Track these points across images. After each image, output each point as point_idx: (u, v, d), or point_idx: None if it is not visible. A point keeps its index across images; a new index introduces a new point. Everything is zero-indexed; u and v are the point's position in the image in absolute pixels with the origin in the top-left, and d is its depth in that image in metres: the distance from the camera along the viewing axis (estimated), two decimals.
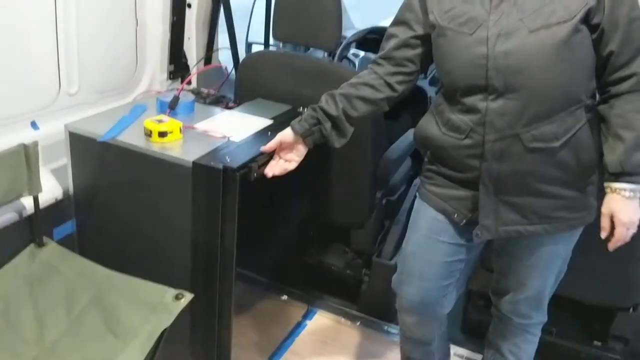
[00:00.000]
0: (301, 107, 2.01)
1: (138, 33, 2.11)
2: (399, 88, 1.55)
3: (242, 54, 2.79)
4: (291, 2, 1.99)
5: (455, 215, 1.55)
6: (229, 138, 1.76)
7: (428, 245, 1.61)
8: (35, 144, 1.67)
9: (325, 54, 2.18)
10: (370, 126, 2.04)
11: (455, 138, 1.47)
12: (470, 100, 1.41)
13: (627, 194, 1.41)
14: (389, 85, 1.54)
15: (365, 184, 2.16)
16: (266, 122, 1.90)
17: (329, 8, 1.94)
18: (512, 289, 1.68)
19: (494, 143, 1.41)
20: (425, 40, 1.50)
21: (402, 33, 1.52)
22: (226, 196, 1.59)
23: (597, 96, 1.48)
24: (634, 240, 1.64)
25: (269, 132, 1.82)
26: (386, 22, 2.01)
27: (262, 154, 1.63)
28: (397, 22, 1.54)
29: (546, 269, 1.61)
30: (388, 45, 1.55)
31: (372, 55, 2.95)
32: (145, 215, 1.75)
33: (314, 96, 1.97)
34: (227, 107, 2.06)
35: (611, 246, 1.48)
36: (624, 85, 1.39)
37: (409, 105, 2.72)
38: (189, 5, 2.21)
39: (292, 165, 1.58)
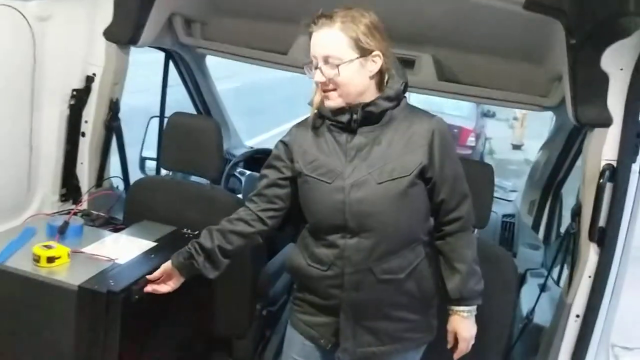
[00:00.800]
0: (185, 229, 2.22)
1: (32, 159, 2.26)
2: (270, 222, 1.74)
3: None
4: (176, 137, 2.25)
5: (322, 340, 1.74)
6: (114, 261, 1.92)
7: None
8: None
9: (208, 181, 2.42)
10: (250, 250, 2.26)
11: (318, 269, 1.67)
12: (331, 238, 1.64)
13: (465, 314, 1.72)
14: (261, 219, 1.73)
15: (245, 297, 2.36)
16: (150, 244, 2.08)
17: (209, 142, 2.21)
18: None
19: (351, 275, 1.63)
20: (292, 181, 1.72)
21: (272, 174, 1.74)
22: (109, 318, 1.72)
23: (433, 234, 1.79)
24: (478, 348, 1.96)
25: (152, 255, 2.00)
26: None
27: (144, 277, 1.80)
28: (268, 165, 1.77)
29: None
30: (260, 185, 1.77)
31: (256, 174, 3.25)
32: (30, 337, 1.83)
33: (198, 218, 2.21)
34: (116, 229, 2.22)
35: (456, 356, 1.77)
36: (454, 226, 1.69)
37: (289, 221, 2.99)
38: (83, 134, 2.39)
39: (163, 289, 1.76)
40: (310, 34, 1.60)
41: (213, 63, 3.37)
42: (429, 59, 2.36)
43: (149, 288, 1.77)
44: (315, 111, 1.69)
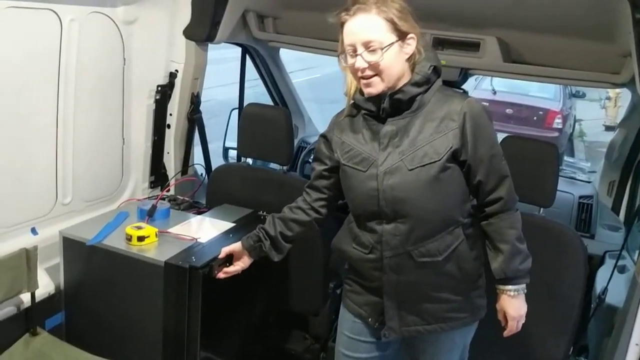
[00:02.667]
0: (261, 211, 2.38)
1: (124, 150, 2.50)
2: (323, 211, 1.85)
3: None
4: (250, 126, 2.41)
5: (370, 319, 1.81)
6: (197, 240, 2.11)
7: (351, 345, 1.88)
8: (35, 248, 2.00)
9: (284, 167, 2.57)
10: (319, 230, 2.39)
11: (361, 252, 1.74)
12: (370, 223, 1.70)
13: (512, 293, 1.74)
14: (315, 209, 1.84)
15: (317, 275, 2.49)
16: (229, 225, 2.26)
17: (281, 131, 2.35)
18: None
19: (390, 259, 1.68)
20: (336, 171, 1.79)
21: (318, 167, 1.83)
22: (191, 290, 1.91)
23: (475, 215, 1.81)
24: (546, 325, 1.98)
25: (231, 235, 2.17)
26: None
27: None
28: (314, 159, 1.87)
29: (446, 358, 1.88)
30: (311, 177, 1.87)
31: None
32: (125, 307, 2.06)
33: (273, 201, 2.35)
34: (199, 212, 2.43)
35: (506, 334, 1.81)
36: (495, 207, 1.69)
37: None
38: (169, 126, 2.62)
39: (233, 269, 1.91)
40: (342, 23, 1.62)
41: (295, 57, 3.48)
42: (494, 41, 2.37)
43: (220, 275, 1.90)
44: (352, 101, 1.73)
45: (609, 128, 11.48)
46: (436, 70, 1.67)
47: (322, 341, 2.65)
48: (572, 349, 2.30)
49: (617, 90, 10.05)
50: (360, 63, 1.60)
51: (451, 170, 1.65)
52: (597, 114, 12.47)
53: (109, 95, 2.38)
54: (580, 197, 3.09)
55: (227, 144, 3.55)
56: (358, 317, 1.84)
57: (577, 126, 11.08)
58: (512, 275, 1.71)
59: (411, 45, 1.62)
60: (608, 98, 11.81)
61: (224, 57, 5.02)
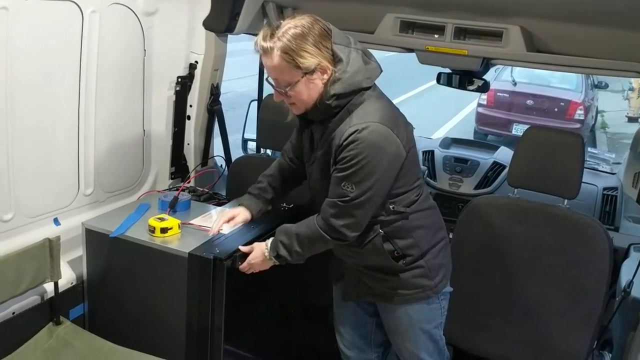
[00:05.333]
0: (281, 202, 2.37)
1: (145, 141, 2.51)
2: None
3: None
4: (268, 117, 2.41)
5: (330, 277, 2.08)
6: (219, 231, 2.11)
7: (339, 303, 2.12)
8: (58, 238, 2.02)
9: None
10: None
11: None
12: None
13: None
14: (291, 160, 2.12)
15: None
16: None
17: None
18: (394, 347, 2.07)
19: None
20: None
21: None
22: (215, 282, 1.91)
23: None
24: (570, 319, 1.97)
25: (252, 226, 2.17)
26: None
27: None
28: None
29: (406, 331, 1.97)
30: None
31: None
32: (147, 298, 2.07)
33: (292, 192, 2.34)
34: (219, 204, 2.43)
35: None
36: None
37: None
38: (189, 117, 2.63)
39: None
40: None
41: None
42: (517, 30, 2.33)
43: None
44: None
45: (632, 119, 11.33)
46: (342, 96, 1.69)
47: None
48: (595, 343, 2.28)
49: None
50: (276, 95, 1.76)
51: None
52: (619, 105, 12.30)
53: (129, 87, 2.38)
54: (605, 189, 3.05)
55: (246, 136, 3.56)
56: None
57: (599, 118, 10.93)
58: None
59: (318, 76, 1.67)
60: (631, 89, 11.64)
61: (241, 49, 5.03)
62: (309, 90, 1.69)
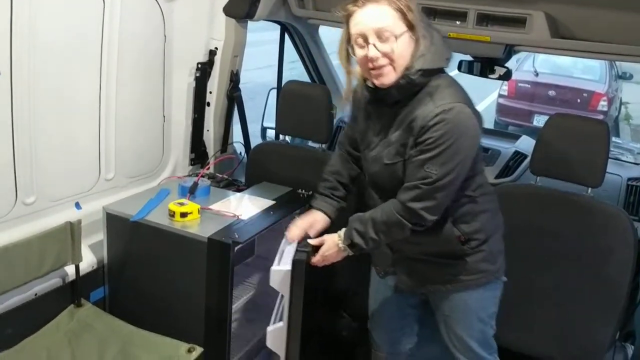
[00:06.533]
0: (300, 189, 2.37)
1: (165, 127, 2.52)
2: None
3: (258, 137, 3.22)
4: (289, 103, 2.39)
5: (377, 267, 2.00)
6: (238, 217, 2.11)
7: (380, 291, 2.07)
8: (79, 221, 2.04)
9: (322, 145, 2.55)
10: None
11: None
12: (369, 190, 1.85)
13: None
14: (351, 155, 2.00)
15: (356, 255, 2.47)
16: (269, 202, 2.26)
17: (319, 108, 2.33)
18: (444, 335, 1.98)
19: None
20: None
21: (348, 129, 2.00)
22: (235, 265, 1.92)
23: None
24: (593, 308, 1.94)
25: (271, 212, 2.17)
26: None
27: (264, 230, 1.98)
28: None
29: (463, 318, 1.91)
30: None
31: None
32: (167, 281, 2.09)
33: (310, 180, 2.34)
34: (238, 190, 2.43)
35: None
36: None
37: None
38: (208, 104, 2.63)
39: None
40: (348, 15, 1.61)
41: (331, 39, 3.47)
42: (541, 16, 2.28)
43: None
44: (360, 81, 1.75)
45: None
46: (427, 72, 1.62)
47: (360, 320, 2.64)
48: (618, 334, 2.25)
49: None
50: (373, 52, 1.58)
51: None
52: None
53: (150, 73, 2.39)
54: (629, 180, 2.99)
55: (265, 124, 3.55)
56: (373, 264, 2.04)
57: (623, 109, 10.73)
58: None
59: (417, 38, 1.60)
60: None
61: (261, 39, 4.99)
62: (409, 49, 1.60)
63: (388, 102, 1.67)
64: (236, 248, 1.93)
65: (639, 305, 2.22)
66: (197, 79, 2.54)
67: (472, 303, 1.89)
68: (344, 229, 1.77)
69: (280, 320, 1.92)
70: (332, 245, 1.78)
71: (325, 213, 1.91)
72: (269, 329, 1.92)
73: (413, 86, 1.62)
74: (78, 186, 2.20)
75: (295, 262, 1.80)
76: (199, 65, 2.53)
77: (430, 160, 1.60)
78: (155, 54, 2.38)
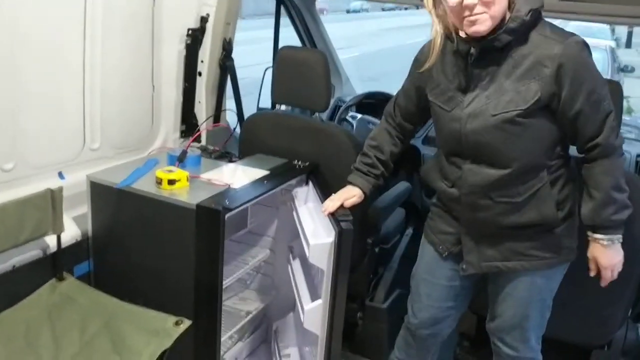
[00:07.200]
0: (297, 161, 2.25)
1: (154, 97, 2.40)
2: (408, 127, 1.92)
3: None
4: (285, 70, 2.28)
5: (440, 247, 1.85)
6: (229, 185, 2.00)
7: (429, 269, 1.92)
8: (60, 188, 1.92)
9: (321, 115, 2.43)
10: None
11: (445, 185, 1.76)
12: (453, 159, 1.72)
13: (605, 242, 1.67)
14: (401, 126, 1.93)
15: (355, 230, 2.35)
16: (263, 172, 2.14)
17: (317, 74, 2.21)
18: (497, 316, 1.87)
19: (467, 196, 1.69)
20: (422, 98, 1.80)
21: (407, 85, 1.87)
22: (227, 238, 1.80)
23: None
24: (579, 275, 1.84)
25: (265, 181, 2.06)
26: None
27: (257, 197, 1.88)
28: (406, 80, 1.87)
29: (525, 299, 1.79)
30: (398, 96, 1.92)
31: (368, 118, 3.23)
32: (155, 252, 1.97)
33: (307, 151, 2.22)
34: (231, 162, 2.31)
35: (602, 284, 1.73)
36: (593, 154, 1.63)
37: (404, 162, 2.96)
38: (200, 74, 2.50)
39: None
40: None
41: (334, 36, 3.44)
42: None
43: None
44: (442, 33, 1.64)
45: None
46: (535, 12, 1.55)
47: (359, 300, 2.53)
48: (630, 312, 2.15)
49: None
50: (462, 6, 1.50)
51: (540, 117, 1.58)
52: None
53: (137, 38, 2.27)
54: (638, 156, 2.91)
55: (262, 106, 3.44)
56: (431, 244, 1.88)
57: (624, 103, 10.62)
58: (602, 224, 1.64)
59: None
60: None
61: (258, 37, 4.92)
62: None
63: (494, 50, 1.56)
64: (227, 215, 1.81)
65: None
66: (187, 46, 2.42)
67: (540, 284, 1.77)
68: (595, 234, 1.66)
69: (318, 298, 1.85)
70: (602, 251, 1.67)
71: (362, 188, 1.89)
72: (307, 307, 1.86)
73: (526, 28, 1.54)
74: (61, 154, 2.08)
75: (342, 232, 1.75)
76: (190, 32, 2.41)
77: (596, 93, 1.55)
78: (143, 17, 2.25)
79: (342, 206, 1.87)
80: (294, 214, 2.16)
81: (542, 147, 1.63)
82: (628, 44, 18.54)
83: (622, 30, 17.89)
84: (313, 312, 1.84)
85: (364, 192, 1.89)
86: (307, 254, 1.83)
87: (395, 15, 29.62)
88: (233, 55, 2.56)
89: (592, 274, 1.72)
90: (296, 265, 2.22)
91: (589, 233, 1.68)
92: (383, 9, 31.60)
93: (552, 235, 1.70)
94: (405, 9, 25.78)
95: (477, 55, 1.59)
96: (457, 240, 1.79)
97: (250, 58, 2.50)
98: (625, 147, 2.80)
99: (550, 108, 1.58)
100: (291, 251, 2.33)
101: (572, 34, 1.56)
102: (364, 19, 26.54)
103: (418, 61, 1.77)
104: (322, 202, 1.98)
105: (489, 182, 1.64)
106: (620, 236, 1.67)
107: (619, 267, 1.71)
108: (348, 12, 30.09)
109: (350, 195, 1.88)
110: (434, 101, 1.72)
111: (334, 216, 1.82)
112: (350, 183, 1.90)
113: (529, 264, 1.72)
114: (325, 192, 2.01)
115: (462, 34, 1.61)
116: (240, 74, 2.68)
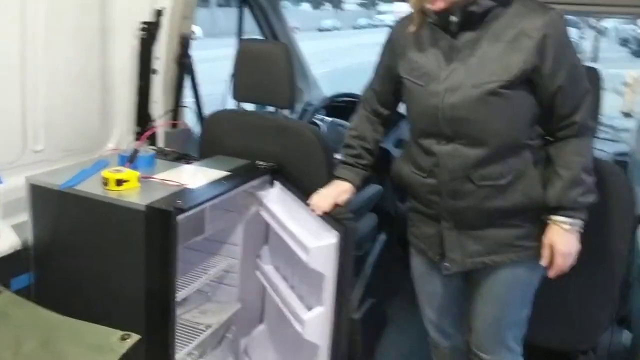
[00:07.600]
0: (260, 161, 2.09)
1: (105, 96, 2.22)
2: (384, 112, 1.83)
3: None
4: (245, 65, 2.13)
5: (430, 252, 1.70)
6: (185, 186, 1.83)
7: (419, 280, 1.84)
8: None
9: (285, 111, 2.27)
10: (327, 179, 2.11)
11: (420, 176, 1.64)
12: (427, 142, 1.60)
13: (566, 226, 1.55)
14: (377, 112, 1.85)
15: None
16: (223, 173, 1.98)
17: (280, 68, 2.07)
18: (474, 318, 1.75)
19: (448, 183, 1.58)
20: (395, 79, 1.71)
21: (379, 71, 1.79)
22: (177, 235, 1.63)
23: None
24: (588, 285, 1.73)
25: (224, 181, 1.90)
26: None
27: (214, 198, 1.72)
28: (377, 64, 1.80)
29: (502, 295, 1.68)
30: (370, 84, 1.84)
31: (338, 121, 3.11)
32: (102, 261, 1.78)
33: (272, 150, 2.08)
34: (188, 163, 2.14)
35: (551, 274, 1.59)
36: (567, 131, 1.56)
37: (374, 165, 2.82)
38: (155, 71, 2.34)
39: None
40: None
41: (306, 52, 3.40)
42: None
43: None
44: (416, 7, 1.57)
45: (626, 115, 11.15)
46: None
47: None
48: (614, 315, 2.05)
49: (636, 76, 9.76)
50: None
51: (522, 90, 1.50)
52: (613, 101, 12.15)
53: (85, 32, 2.10)
54: (616, 155, 2.85)
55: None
56: (420, 252, 1.77)
57: None
58: (568, 205, 1.53)
59: None
60: (625, 84, 11.48)
61: (219, 56, 4.88)
62: None
63: (475, 20, 1.50)
64: (180, 217, 1.65)
65: (633, 283, 2.02)
66: (142, 41, 2.26)
67: (523, 277, 1.67)
68: (556, 217, 1.56)
69: (313, 306, 1.72)
70: (561, 236, 1.56)
71: (352, 183, 1.79)
72: (306, 317, 1.71)
73: None
74: None
75: (347, 231, 1.62)
76: (144, 26, 2.25)
77: (577, 67, 1.52)
78: (91, 10, 2.09)
79: (336, 204, 1.74)
80: (266, 218, 2.01)
81: (521, 123, 1.55)
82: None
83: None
84: (315, 321, 1.70)
85: (354, 186, 1.79)
86: (305, 258, 1.69)
87: (366, 32, 29.89)
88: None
89: (545, 262, 1.60)
90: (271, 272, 2.06)
91: (550, 216, 1.58)
92: (354, 27, 31.81)
93: (538, 223, 1.60)
94: (376, 26, 25.99)
95: (460, 20, 1.50)
96: (441, 239, 1.67)
97: (213, 74, 2.39)
98: (601, 146, 2.78)
99: (532, 82, 1.51)
100: (260, 258, 2.17)
101: (552, 7, 1.49)
102: (335, 37, 26.68)
103: (390, 41, 1.71)
104: (299, 203, 1.83)
105: (470, 164, 1.54)
106: (581, 223, 1.58)
107: (573, 259, 1.59)
108: (320, 30, 30.24)
109: (340, 190, 1.78)
110: (406, 77, 1.63)
111: (330, 215, 1.69)
112: (338, 178, 1.80)
113: (515, 255, 1.62)
114: (297, 193, 1.88)
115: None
116: (207, 90, 2.58)
